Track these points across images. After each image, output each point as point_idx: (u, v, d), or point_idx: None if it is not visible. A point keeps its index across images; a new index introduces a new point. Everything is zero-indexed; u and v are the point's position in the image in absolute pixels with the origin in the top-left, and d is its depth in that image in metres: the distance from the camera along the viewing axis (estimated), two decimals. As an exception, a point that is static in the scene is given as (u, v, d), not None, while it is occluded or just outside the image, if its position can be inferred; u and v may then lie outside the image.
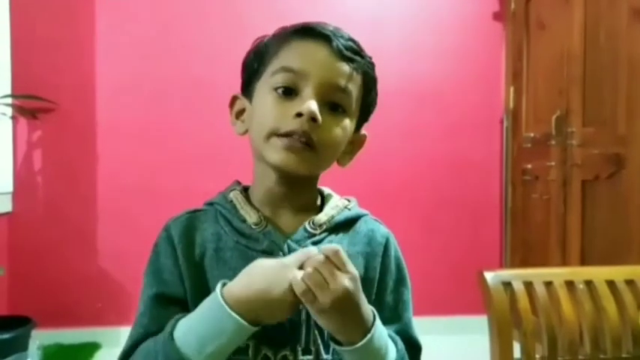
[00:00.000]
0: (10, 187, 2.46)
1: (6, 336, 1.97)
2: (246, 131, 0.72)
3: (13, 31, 2.45)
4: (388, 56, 2.70)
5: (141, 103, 2.56)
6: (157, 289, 0.67)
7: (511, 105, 2.74)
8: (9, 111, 2.40)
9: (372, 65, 0.71)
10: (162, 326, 0.61)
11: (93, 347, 2.40)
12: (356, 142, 0.74)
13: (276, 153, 0.64)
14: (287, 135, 0.64)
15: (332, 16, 2.94)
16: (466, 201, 2.81)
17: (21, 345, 2.02)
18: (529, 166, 2.58)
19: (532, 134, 2.56)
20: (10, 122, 2.45)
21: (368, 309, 0.60)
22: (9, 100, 2.38)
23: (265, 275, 0.57)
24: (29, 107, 2.41)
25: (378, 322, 0.61)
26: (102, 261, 2.55)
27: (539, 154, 2.47)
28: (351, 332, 0.58)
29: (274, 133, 0.65)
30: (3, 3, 2.43)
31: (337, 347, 0.60)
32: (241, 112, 0.73)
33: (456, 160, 2.79)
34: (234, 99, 0.75)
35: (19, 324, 2.08)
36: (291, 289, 0.55)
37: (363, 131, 0.75)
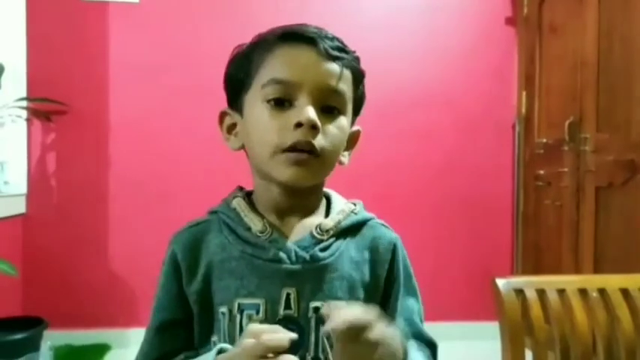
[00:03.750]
0: (24, 189, 2.49)
1: (18, 336, 1.99)
2: (241, 146, 0.71)
3: (29, 36, 2.49)
4: (400, 62, 2.69)
5: (154, 106, 2.58)
6: (161, 317, 0.69)
7: (523, 110, 2.72)
8: (24, 114, 2.43)
9: (357, 60, 0.70)
10: (162, 354, 0.66)
11: (103, 348, 2.42)
12: (351, 138, 0.73)
13: (285, 170, 0.64)
14: (291, 149, 0.63)
15: (344, 22, 2.94)
16: (478, 206, 2.79)
17: (33, 345, 2.04)
18: (541, 171, 2.56)
19: (545, 140, 2.53)
20: (24, 125, 2.48)
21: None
22: (24, 104, 2.41)
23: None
24: (43, 110, 2.44)
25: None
26: (114, 263, 2.57)
27: (552, 159, 2.45)
28: None
29: (279, 149, 0.63)
30: (20, 8, 2.47)
31: None
32: (232, 126, 0.72)
33: (468, 165, 2.78)
34: (222, 115, 0.73)
35: (32, 324, 2.09)
36: None
37: (357, 126, 0.75)
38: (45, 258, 2.51)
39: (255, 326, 0.55)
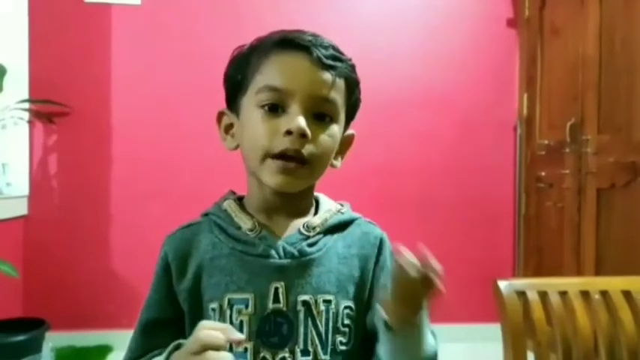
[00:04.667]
0: (26, 191, 2.50)
1: (20, 338, 1.99)
2: (237, 146, 0.73)
3: (31, 38, 2.50)
4: (402, 63, 2.70)
5: (155, 108, 2.58)
6: (148, 316, 0.71)
7: (525, 112, 2.72)
8: (26, 116, 2.44)
9: (352, 67, 0.72)
10: (147, 352, 0.68)
11: (105, 350, 2.42)
12: (345, 142, 0.75)
13: (272, 176, 0.66)
14: (280, 156, 0.65)
15: (346, 25, 2.93)
16: (480, 208, 2.79)
17: (35, 347, 2.05)
18: (543, 173, 2.56)
19: (546, 141, 2.53)
20: (26, 127, 2.49)
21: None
22: (26, 105, 2.42)
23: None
24: (45, 112, 2.45)
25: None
26: (115, 264, 2.57)
27: (554, 161, 2.44)
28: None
29: (268, 155, 0.66)
30: (22, 10, 2.48)
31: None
32: (230, 126, 0.74)
33: (470, 167, 2.78)
34: (220, 114, 0.75)
35: (33, 326, 2.10)
36: None
37: (351, 130, 0.76)
38: (46, 259, 2.51)
39: (207, 323, 0.57)
